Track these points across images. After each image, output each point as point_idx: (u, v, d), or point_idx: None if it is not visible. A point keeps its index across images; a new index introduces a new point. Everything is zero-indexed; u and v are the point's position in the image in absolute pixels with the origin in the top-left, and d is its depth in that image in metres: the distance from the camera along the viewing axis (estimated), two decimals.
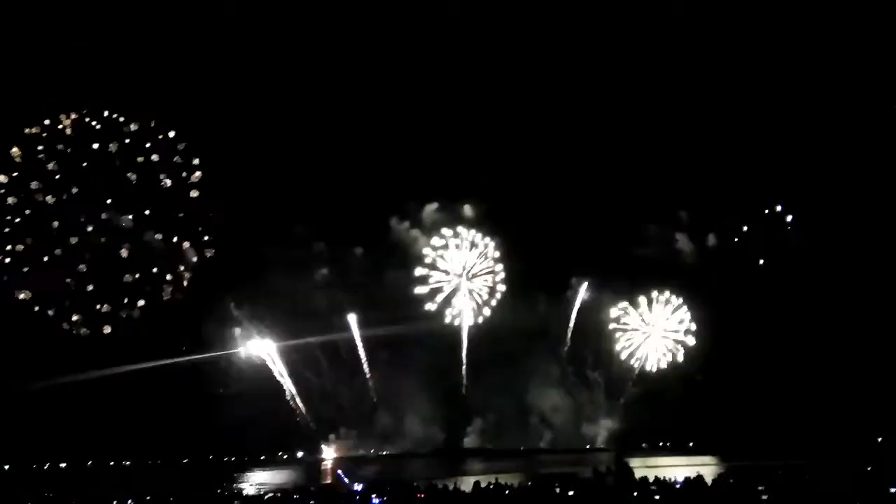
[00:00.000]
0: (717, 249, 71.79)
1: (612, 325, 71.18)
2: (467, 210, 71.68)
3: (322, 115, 68.13)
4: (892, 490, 43.24)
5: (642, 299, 70.90)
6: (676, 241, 71.59)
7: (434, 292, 70.47)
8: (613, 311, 71.18)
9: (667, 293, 70.51)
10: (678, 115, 69.01)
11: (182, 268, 64.19)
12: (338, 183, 67.58)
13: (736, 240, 71.82)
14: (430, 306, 70.26)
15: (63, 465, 67.09)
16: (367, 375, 70.36)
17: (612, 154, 69.90)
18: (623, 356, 70.96)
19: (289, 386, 68.05)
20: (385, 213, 70.66)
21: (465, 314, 70.72)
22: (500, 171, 69.43)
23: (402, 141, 69.08)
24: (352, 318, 69.05)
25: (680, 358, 70.21)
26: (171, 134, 64.07)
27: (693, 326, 70.21)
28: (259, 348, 66.73)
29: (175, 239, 63.86)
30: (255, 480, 65.94)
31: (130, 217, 62.74)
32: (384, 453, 72.36)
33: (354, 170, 68.04)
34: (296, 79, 67.21)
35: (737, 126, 68.69)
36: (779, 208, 71.00)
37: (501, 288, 70.92)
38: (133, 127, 63.28)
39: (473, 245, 70.87)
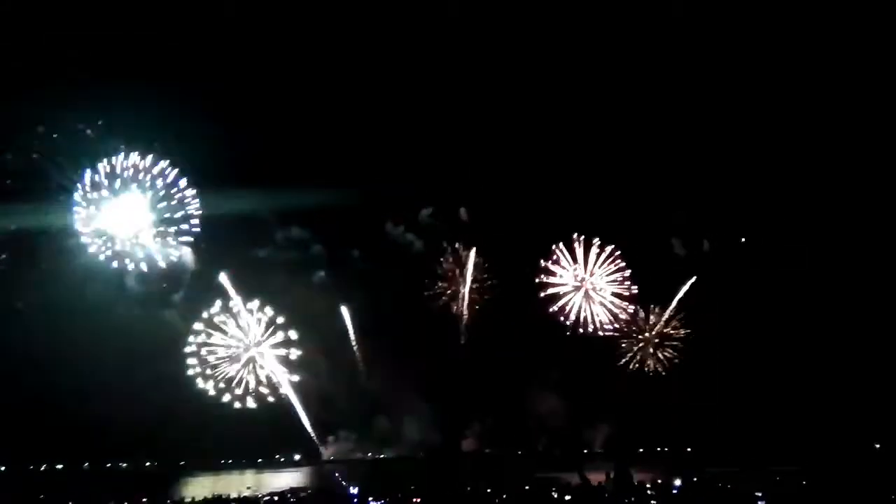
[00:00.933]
0: (711, 255, 71.95)
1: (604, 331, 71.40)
2: (463, 214, 72.16)
3: (322, 120, 68.26)
4: (892, 497, 43.27)
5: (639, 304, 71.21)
6: (672, 246, 71.86)
7: (433, 297, 70.81)
8: (607, 315, 71.31)
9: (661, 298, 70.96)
10: (677, 119, 69.22)
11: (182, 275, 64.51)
12: (334, 186, 67.61)
13: (731, 247, 72.05)
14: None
15: (59, 466, 66.93)
16: (365, 377, 70.43)
17: (610, 159, 70.20)
18: (620, 361, 71.07)
19: (286, 388, 67.93)
20: (381, 217, 71.29)
21: (463, 318, 70.88)
22: (498, 176, 69.82)
23: (400, 145, 69.31)
24: (345, 311, 69.37)
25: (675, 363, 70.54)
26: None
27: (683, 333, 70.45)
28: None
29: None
30: (253, 483, 65.89)
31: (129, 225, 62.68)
32: (382, 456, 72.25)
33: (350, 173, 68.21)
34: (293, 82, 67.16)
35: (736, 130, 68.83)
36: (778, 217, 71.10)
37: (500, 292, 71.13)
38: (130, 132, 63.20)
39: (470, 253, 71.18)
